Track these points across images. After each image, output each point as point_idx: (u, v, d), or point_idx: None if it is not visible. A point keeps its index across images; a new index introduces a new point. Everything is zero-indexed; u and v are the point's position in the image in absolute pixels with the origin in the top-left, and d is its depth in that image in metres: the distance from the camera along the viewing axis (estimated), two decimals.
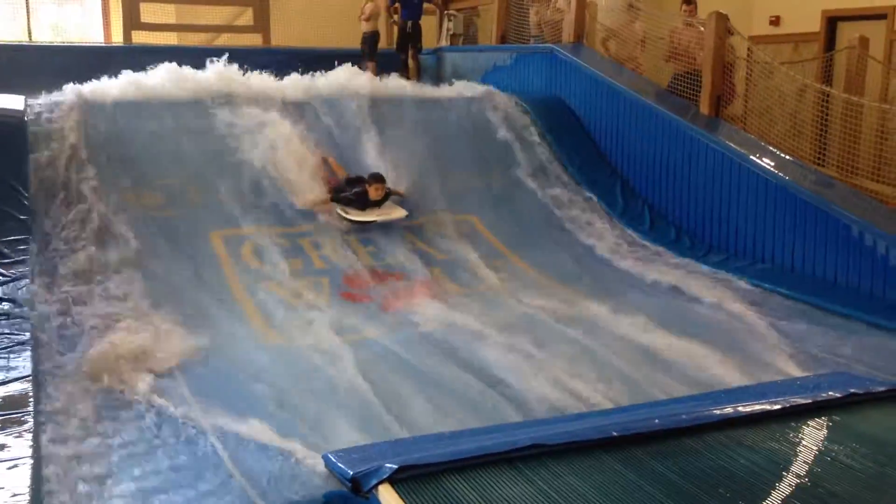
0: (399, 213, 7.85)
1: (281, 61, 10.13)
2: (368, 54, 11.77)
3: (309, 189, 7.85)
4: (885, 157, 7.91)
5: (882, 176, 7.70)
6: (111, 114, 7.87)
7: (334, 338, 5.75)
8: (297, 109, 8.68)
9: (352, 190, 7.75)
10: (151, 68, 8.78)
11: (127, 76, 8.51)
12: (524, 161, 9.13)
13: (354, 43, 12.17)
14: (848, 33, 10.58)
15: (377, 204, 7.80)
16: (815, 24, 11.41)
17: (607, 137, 9.55)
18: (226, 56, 9.13)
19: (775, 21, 11.93)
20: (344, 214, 7.66)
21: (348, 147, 8.56)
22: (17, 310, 5.47)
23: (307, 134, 8.39)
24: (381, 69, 11.03)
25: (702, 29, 9.11)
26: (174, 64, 8.89)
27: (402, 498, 3.21)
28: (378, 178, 7.84)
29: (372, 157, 8.43)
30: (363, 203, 7.72)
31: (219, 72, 8.89)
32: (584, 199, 8.84)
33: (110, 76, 8.52)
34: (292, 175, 7.87)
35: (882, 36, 10.36)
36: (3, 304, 5.53)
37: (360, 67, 10.54)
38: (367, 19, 12.01)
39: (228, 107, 8.37)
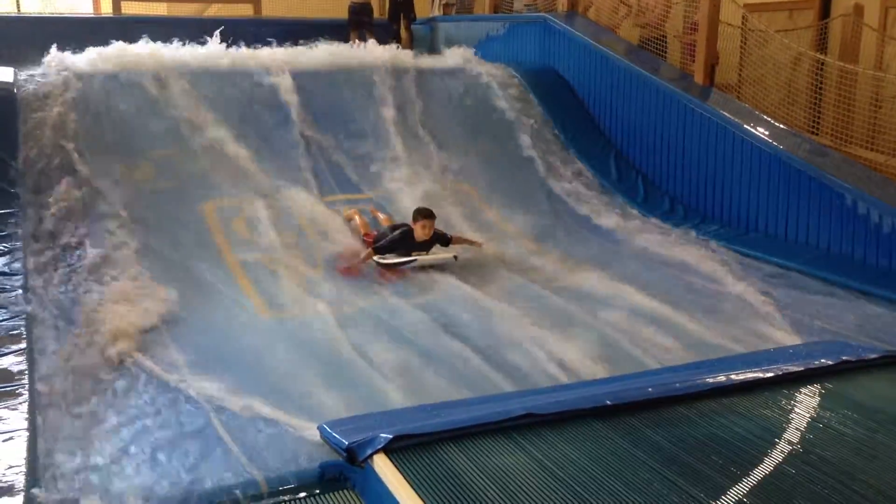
0: (446, 254, 6.75)
1: (267, 32, 10.03)
2: (357, 24, 11.61)
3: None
4: (879, 126, 7.89)
5: (876, 144, 7.68)
6: (100, 85, 7.81)
7: (328, 310, 5.75)
8: (294, 81, 8.62)
9: (394, 232, 6.73)
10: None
11: (116, 47, 8.44)
12: (517, 130, 9.08)
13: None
14: (843, 1, 10.49)
15: (424, 247, 6.72)
16: None
17: (601, 107, 9.51)
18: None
19: None
20: (380, 260, 6.59)
21: (345, 119, 8.51)
22: (9, 282, 5.45)
23: (307, 106, 8.37)
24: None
25: None
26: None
27: (397, 467, 3.22)
28: (426, 214, 6.70)
29: (368, 127, 8.46)
30: (407, 245, 6.65)
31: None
32: (578, 169, 8.82)
33: (100, 47, 8.43)
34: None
35: (877, 3, 10.24)
36: None
37: (348, 38, 10.45)
38: None
39: (222, 79, 8.32)
